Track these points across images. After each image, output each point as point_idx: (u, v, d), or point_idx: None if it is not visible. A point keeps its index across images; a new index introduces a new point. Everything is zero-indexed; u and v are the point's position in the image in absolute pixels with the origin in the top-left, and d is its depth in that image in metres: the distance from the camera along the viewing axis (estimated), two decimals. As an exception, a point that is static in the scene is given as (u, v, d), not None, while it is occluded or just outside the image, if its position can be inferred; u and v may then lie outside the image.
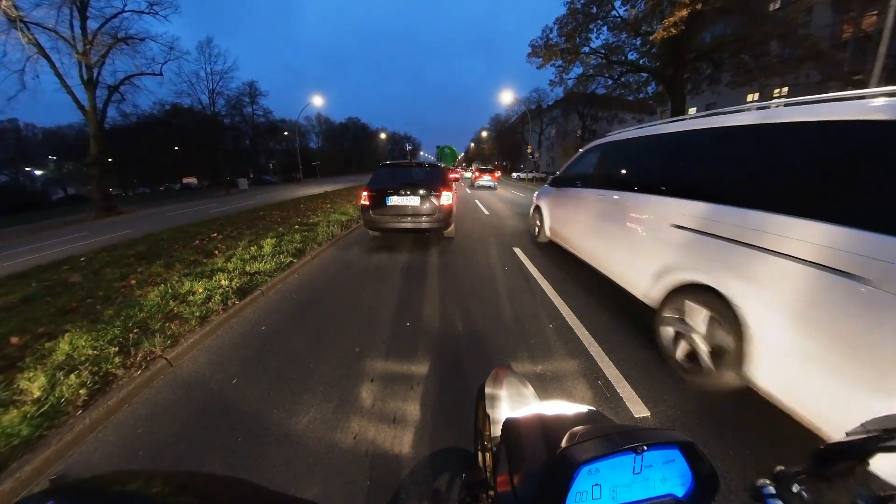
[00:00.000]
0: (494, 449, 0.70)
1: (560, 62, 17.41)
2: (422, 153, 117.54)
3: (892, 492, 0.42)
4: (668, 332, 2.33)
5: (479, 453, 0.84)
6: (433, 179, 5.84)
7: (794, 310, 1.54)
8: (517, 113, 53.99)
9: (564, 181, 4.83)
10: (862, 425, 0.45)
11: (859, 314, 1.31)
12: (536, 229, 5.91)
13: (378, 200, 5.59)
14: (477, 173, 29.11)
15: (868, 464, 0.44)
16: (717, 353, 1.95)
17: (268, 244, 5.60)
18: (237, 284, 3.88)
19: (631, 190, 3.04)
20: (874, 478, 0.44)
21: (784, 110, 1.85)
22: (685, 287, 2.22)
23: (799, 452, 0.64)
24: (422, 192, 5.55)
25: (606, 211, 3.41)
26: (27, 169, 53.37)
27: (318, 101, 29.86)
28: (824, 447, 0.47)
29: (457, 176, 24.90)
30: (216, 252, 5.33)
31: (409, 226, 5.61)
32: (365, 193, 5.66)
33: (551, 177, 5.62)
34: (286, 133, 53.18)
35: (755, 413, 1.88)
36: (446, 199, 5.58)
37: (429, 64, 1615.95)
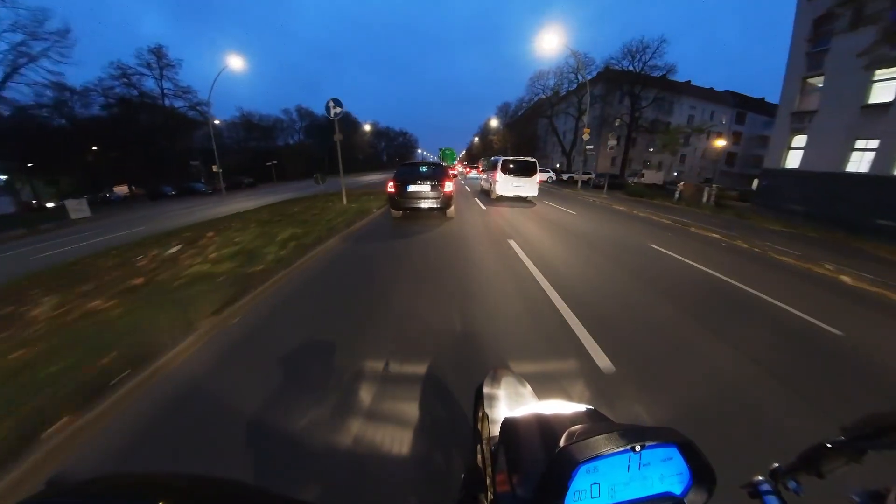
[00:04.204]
0: (493, 448, 0.69)
1: None
2: (419, 150, 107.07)
3: (886, 488, 0.43)
4: (485, 187, 16.49)
5: (478, 453, 0.84)
6: (438, 174, 8.71)
7: (489, 179, 14.95)
8: (545, 88, 37.87)
9: (484, 171, 20.31)
10: (857, 424, 0.46)
11: (487, 179, 15.97)
12: (479, 188, 19.08)
13: (401, 188, 8.42)
14: (467, 169, 44.86)
15: (862, 461, 0.46)
16: (490, 190, 14.75)
17: None
18: None
19: (494, 171, 14.05)
20: (868, 475, 0.46)
21: (512, 157, 14.06)
22: (486, 184, 16.06)
23: (795, 450, 0.57)
24: (431, 182, 8.44)
25: (489, 177, 15.30)
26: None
27: (236, 62, 18.56)
28: (819, 445, 0.49)
29: (454, 173, 28.92)
30: None
31: (421, 205, 8.49)
32: (391, 184, 8.47)
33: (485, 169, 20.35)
34: (212, 123, 33.22)
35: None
36: (448, 187, 8.59)
37: (429, 60, 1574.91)
